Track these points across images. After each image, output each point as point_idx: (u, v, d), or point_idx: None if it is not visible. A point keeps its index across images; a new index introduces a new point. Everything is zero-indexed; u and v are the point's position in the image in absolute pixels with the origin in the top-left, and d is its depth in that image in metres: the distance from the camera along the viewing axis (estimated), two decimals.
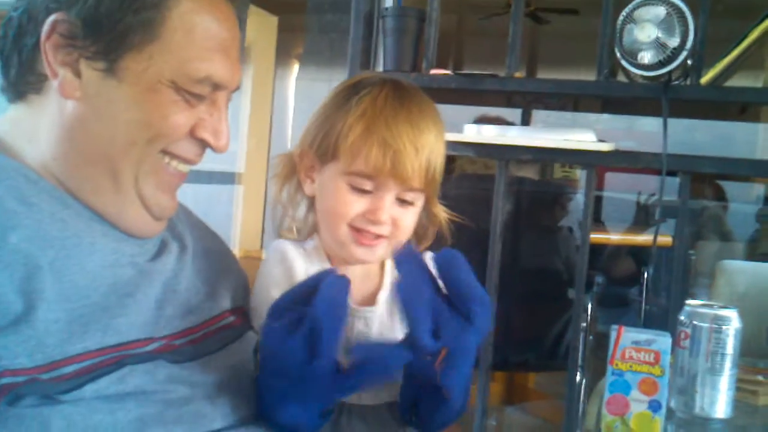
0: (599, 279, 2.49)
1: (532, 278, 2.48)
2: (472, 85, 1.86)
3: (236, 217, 4.28)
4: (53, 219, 0.93)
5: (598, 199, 3.03)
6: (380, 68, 2.03)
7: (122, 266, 0.97)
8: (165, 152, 0.99)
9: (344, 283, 0.90)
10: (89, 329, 0.88)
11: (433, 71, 1.93)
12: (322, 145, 1.09)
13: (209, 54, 0.97)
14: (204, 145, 1.02)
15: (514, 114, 2.81)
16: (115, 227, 1.00)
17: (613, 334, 1.13)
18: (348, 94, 1.10)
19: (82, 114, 0.95)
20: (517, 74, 1.85)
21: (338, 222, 1.08)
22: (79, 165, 0.96)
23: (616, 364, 1.12)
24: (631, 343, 1.12)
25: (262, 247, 4.19)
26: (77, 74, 0.94)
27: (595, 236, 2.31)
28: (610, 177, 3.18)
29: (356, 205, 1.07)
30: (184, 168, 1.03)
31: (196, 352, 1.00)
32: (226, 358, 1.03)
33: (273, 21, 4.64)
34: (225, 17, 1.00)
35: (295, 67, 4.54)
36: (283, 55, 4.35)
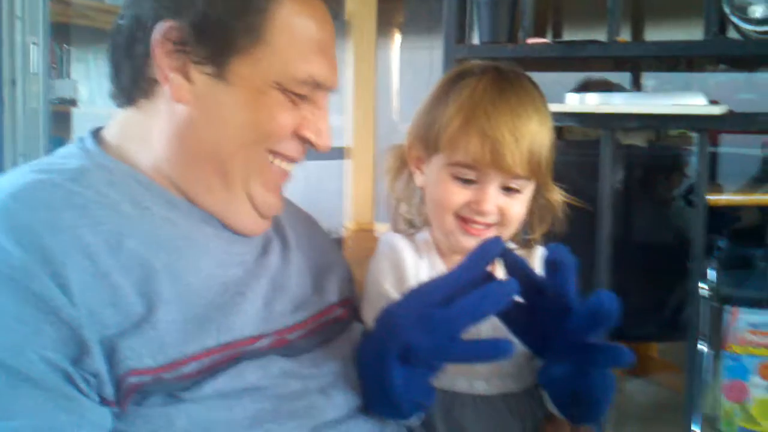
0: (721, 243, 2.37)
1: (649, 247, 2.40)
2: (572, 53, 1.80)
3: (347, 191, 4.33)
4: (165, 222, 0.97)
5: (716, 157, 2.88)
6: (476, 40, 1.99)
7: (232, 266, 1.00)
8: (271, 151, 1.02)
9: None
10: (205, 328, 0.91)
11: (531, 40, 1.87)
12: (426, 138, 1.10)
13: (311, 55, 0.99)
14: (306, 143, 1.04)
15: (623, 76, 2.69)
16: (223, 227, 1.03)
17: (727, 317, 1.08)
18: (449, 86, 1.10)
19: (192, 117, 0.98)
20: (620, 38, 1.77)
21: (444, 212, 1.09)
22: (191, 166, 1.00)
23: (732, 348, 1.07)
24: (748, 326, 1.07)
25: (373, 219, 4.22)
26: (188, 79, 0.97)
27: (714, 197, 2.20)
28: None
29: (461, 195, 1.07)
30: (288, 166, 1.05)
31: (307, 346, 1.03)
32: (336, 351, 1.05)
33: None
34: (322, 18, 1.02)
35: (397, 36, 4.52)
36: (384, 24, 4.33)
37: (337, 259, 1.22)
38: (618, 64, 2.45)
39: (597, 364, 0.96)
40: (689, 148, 2.48)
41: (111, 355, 0.83)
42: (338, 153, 4.23)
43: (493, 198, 1.06)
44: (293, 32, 0.98)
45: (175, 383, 0.86)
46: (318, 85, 1.01)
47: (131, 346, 0.84)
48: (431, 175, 1.11)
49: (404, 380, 0.93)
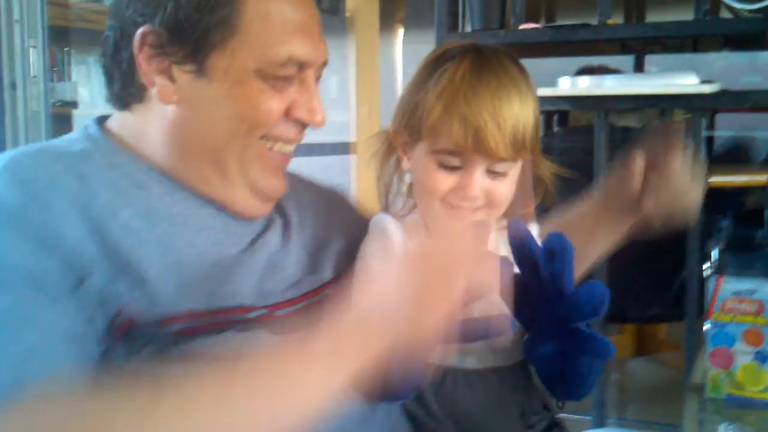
0: (723, 224, 2.35)
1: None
2: (563, 37, 1.80)
3: (352, 186, 4.33)
4: (162, 199, 0.99)
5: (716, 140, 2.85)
6: (468, 28, 1.99)
7: (228, 245, 1.02)
8: (265, 137, 1.02)
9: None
10: (196, 293, 0.93)
11: (523, 26, 1.87)
12: (410, 124, 1.10)
13: (288, 36, 0.99)
14: (302, 123, 1.04)
15: (626, 60, 2.66)
16: (223, 210, 1.04)
17: (711, 286, 1.08)
18: (429, 69, 1.09)
19: (181, 116, 1.00)
20: (610, 21, 1.77)
21: (429, 199, 1.09)
22: (187, 160, 1.02)
23: (717, 317, 1.08)
24: (732, 294, 1.07)
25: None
26: (172, 80, 0.98)
27: (717, 179, 2.19)
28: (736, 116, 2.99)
29: (445, 181, 1.07)
30: (287, 148, 1.06)
31: (296, 324, 1.02)
32: None
33: None
34: None
35: (400, 31, 4.52)
36: (387, 20, 4.33)
37: (341, 233, 1.20)
38: (622, 49, 2.43)
39: (580, 352, 0.97)
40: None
41: (101, 294, 0.86)
42: (343, 148, 4.25)
43: (478, 183, 1.05)
44: (266, 18, 0.98)
45: (163, 338, 0.89)
46: (302, 65, 1.01)
47: (119, 291, 0.88)
48: (416, 162, 1.10)
49: (400, 366, 0.92)
